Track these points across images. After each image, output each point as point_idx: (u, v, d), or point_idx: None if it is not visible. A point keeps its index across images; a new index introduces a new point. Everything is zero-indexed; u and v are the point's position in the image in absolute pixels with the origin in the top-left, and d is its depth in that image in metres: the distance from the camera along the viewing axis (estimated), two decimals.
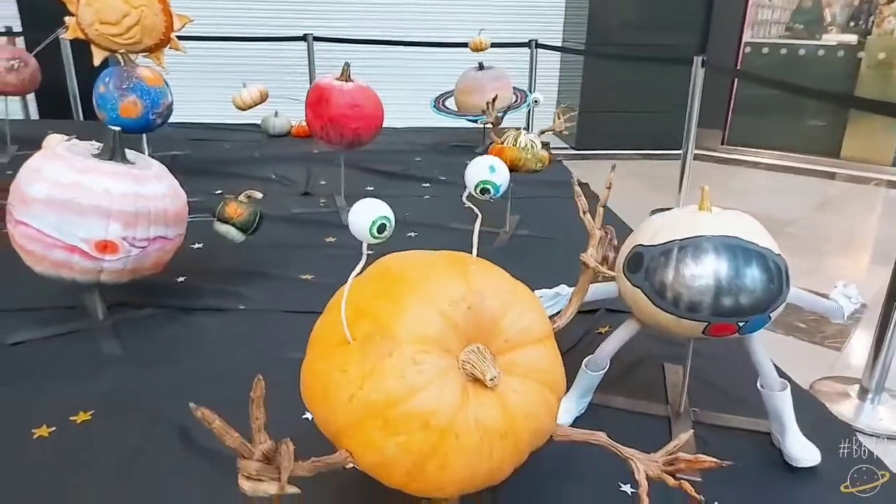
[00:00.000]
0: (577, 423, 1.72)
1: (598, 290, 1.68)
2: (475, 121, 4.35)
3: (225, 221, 2.20)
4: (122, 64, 3.11)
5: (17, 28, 5.39)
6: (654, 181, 5.17)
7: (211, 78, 5.70)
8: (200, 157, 4.19)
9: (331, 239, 2.97)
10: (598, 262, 1.19)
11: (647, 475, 1.16)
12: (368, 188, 3.72)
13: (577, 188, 1.21)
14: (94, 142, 1.99)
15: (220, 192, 3.49)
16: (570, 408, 1.70)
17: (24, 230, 1.81)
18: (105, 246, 1.84)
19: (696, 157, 6.10)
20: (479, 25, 5.98)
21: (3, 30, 4.72)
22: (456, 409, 1.00)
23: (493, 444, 1.02)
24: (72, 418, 1.67)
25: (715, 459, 1.16)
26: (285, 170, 3.99)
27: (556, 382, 1.12)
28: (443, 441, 0.98)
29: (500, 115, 3.02)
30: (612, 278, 1.39)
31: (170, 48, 3.85)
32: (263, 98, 3.04)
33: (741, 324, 1.47)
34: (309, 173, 3.90)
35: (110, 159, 1.93)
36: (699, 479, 1.53)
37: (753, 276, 1.43)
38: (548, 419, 1.11)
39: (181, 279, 2.46)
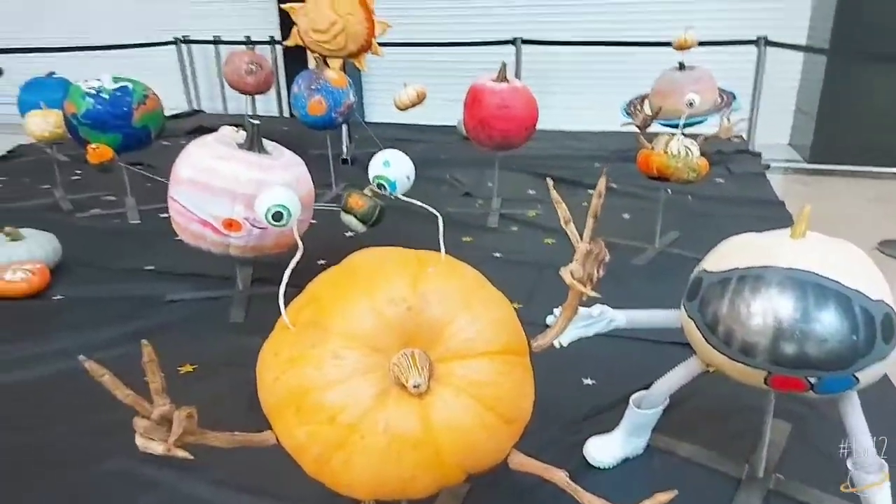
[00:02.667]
0: (625, 465, 1.54)
1: (664, 317, 1.48)
2: (674, 125, 4.04)
3: (348, 212, 2.37)
4: (315, 66, 3.49)
5: (260, 38, 6.38)
6: None
7: (415, 80, 6.08)
8: None
9: (467, 239, 3.01)
10: (581, 280, 1.05)
11: None
12: (530, 191, 3.68)
13: (555, 194, 1.08)
14: (240, 131, 2.28)
15: None
16: (612, 447, 1.52)
17: (173, 204, 2.16)
18: (230, 224, 2.10)
19: None
20: (704, 19, 5.52)
21: (244, 39, 5.55)
22: (366, 409, 0.97)
23: (403, 452, 0.97)
24: (178, 368, 1.96)
25: None
26: (462, 171, 4.12)
27: (499, 401, 1.02)
28: (348, 438, 0.97)
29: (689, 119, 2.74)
30: (596, 299, 1.20)
31: (371, 53, 4.23)
32: (421, 98, 3.17)
33: (812, 380, 1.18)
34: (482, 175, 3.98)
35: (249, 149, 2.20)
36: None
37: (827, 321, 1.14)
38: (486, 439, 1.02)
39: (321, 262, 2.70)
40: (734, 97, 4.11)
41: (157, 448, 0.92)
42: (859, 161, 4.93)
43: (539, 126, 3.14)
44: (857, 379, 1.17)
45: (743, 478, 1.48)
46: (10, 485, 1.55)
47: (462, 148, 4.86)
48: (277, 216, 1.01)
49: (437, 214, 1.11)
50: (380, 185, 1.12)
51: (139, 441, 0.92)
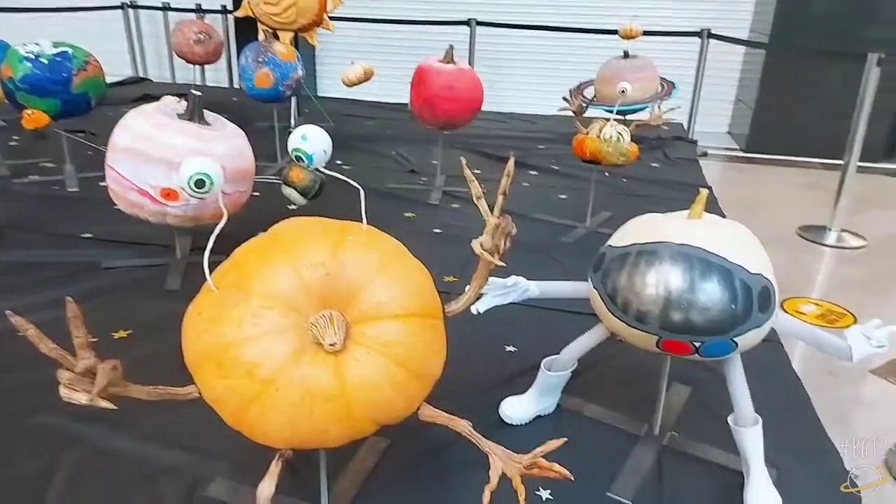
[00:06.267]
0: (536, 423, 1.66)
1: (573, 288, 1.59)
2: (610, 111, 4.19)
3: (289, 185, 2.41)
4: (264, 39, 3.48)
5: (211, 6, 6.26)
6: (830, 195, 4.51)
7: (372, 57, 6.02)
8: (341, 131, 4.54)
9: (409, 214, 3.09)
10: (490, 251, 1.14)
11: (502, 472, 1.11)
12: (476, 170, 3.76)
13: (468, 172, 1.17)
14: (182, 101, 2.29)
15: (339, 162, 3.78)
16: (524, 406, 1.65)
17: (111, 173, 2.17)
18: (168, 193, 2.12)
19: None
20: (654, 8, 5.67)
21: (194, 7, 5.46)
22: (281, 365, 1.05)
23: (315, 405, 1.05)
24: (113, 334, 1.99)
25: (567, 473, 1.07)
26: (407, 148, 4.18)
27: (409, 359, 1.11)
28: (263, 391, 1.04)
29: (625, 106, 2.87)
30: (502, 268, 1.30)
31: (322, 28, 4.21)
32: (368, 76, 3.21)
33: (697, 344, 1.31)
34: (427, 153, 4.05)
35: (190, 119, 2.22)
36: None
37: (710, 291, 1.27)
38: (395, 394, 1.11)
39: (263, 234, 2.74)
40: (675, 86, 4.27)
41: (81, 398, 0.98)
42: (793, 151, 5.19)
43: (492, 108, 3.18)
44: (735, 343, 1.31)
45: (641, 434, 1.61)
46: None
47: (409, 125, 4.91)
48: (200, 184, 1.07)
49: (359, 188, 1.18)
50: (298, 158, 1.19)
51: (63, 391, 0.98)
